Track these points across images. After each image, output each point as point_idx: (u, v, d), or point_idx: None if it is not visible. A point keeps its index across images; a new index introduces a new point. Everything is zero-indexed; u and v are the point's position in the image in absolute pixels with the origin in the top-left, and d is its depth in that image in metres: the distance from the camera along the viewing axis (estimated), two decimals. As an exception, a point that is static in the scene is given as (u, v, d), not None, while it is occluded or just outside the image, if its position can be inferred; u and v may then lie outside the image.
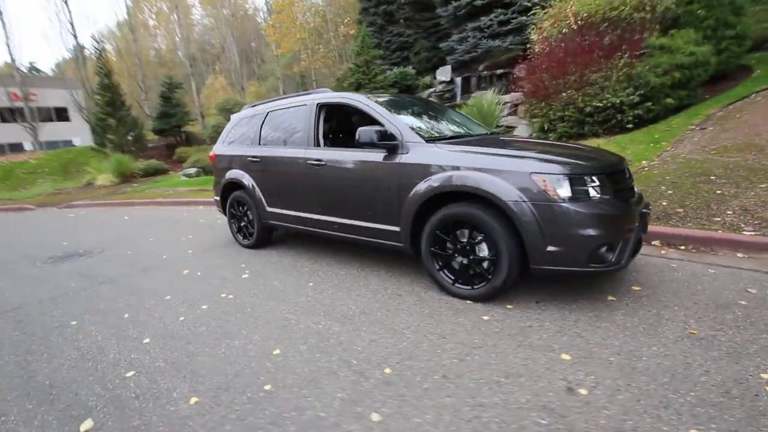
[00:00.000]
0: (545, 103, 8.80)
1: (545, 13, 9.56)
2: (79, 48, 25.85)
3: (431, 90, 17.71)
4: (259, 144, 4.37)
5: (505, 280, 2.63)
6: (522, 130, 10.00)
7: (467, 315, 2.64)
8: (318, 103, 3.78)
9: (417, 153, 2.97)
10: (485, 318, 2.58)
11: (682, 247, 3.65)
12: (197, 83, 30.03)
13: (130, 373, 2.25)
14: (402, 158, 3.02)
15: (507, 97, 11.74)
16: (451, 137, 3.30)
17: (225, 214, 5.03)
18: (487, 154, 2.75)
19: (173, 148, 18.89)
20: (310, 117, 3.80)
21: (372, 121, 3.32)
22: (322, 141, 3.78)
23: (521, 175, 2.51)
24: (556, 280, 2.97)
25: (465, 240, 2.80)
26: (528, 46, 17.10)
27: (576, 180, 2.47)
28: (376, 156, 3.20)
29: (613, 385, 1.88)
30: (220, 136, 5.08)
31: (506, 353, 2.18)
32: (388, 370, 2.09)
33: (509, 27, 15.98)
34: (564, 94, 8.33)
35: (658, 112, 7.68)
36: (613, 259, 2.51)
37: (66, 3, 24.47)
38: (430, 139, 3.05)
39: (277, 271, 3.82)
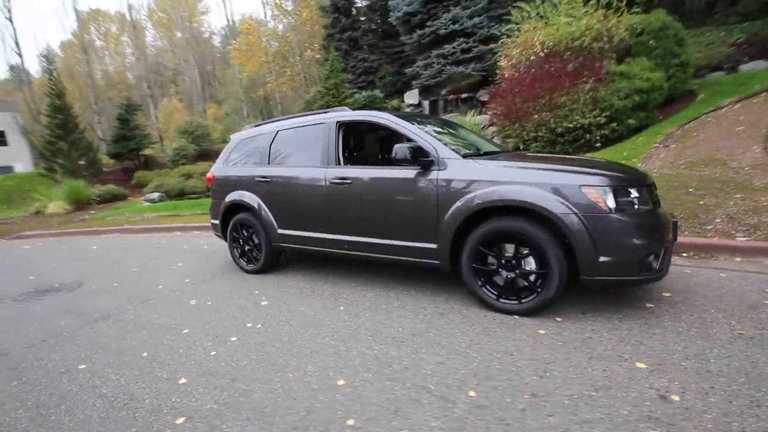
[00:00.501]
0: (518, 124, 9.23)
1: (512, 41, 10.13)
2: (23, 69, 23.92)
3: (401, 112, 18.09)
4: (269, 164, 4.17)
5: (555, 293, 2.63)
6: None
7: (522, 330, 2.59)
8: (338, 122, 3.68)
9: (456, 169, 2.95)
10: (542, 332, 2.54)
11: (685, 254, 3.87)
12: (154, 105, 28.72)
13: (180, 420, 1.96)
14: (440, 174, 2.99)
15: (478, 119, 12.21)
16: (483, 153, 3.32)
17: (224, 239, 4.71)
18: (531, 168, 2.78)
19: (131, 172, 17.71)
20: (329, 135, 3.69)
21: (401, 138, 3.28)
22: (342, 160, 3.67)
23: (571, 188, 2.55)
24: (593, 291, 3.01)
25: (510, 254, 2.79)
26: (486, 72, 18.02)
27: (620, 192, 2.55)
28: (408, 173, 3.15)
29: (699, 389, 1.89)
30: (219, 157, 4.81)
31: (582, 366, 2.14)
32: (472, 393, 1.98)
33: (471, 55, 16.80)
34: (536, 115, 8.78)
35: (621, 132, 8.29)
36: (657, 267, 2.59)
37: (11, 20, 22.65)
38: (467, 155, 3.05)
39: (297, 296, 3.59)
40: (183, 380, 2.33)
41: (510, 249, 2.79)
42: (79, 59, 29.39)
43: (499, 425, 1.75)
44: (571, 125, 8.34)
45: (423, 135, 3.17)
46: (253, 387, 2.20)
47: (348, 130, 3.86)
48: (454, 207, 2.90)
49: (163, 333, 3.04)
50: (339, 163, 3.64)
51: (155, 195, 13.60)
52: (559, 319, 2.70)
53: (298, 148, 4.01)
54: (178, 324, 3.19)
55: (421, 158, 3.03)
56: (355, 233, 3.50)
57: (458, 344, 2.48)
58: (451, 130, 3.91)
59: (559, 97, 8.61)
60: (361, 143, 4.47)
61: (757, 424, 1.65)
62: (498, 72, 11.05)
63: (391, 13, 17.70)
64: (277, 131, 4.19)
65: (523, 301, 2.77)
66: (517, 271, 2.77)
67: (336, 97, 16.78)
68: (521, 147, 9.16)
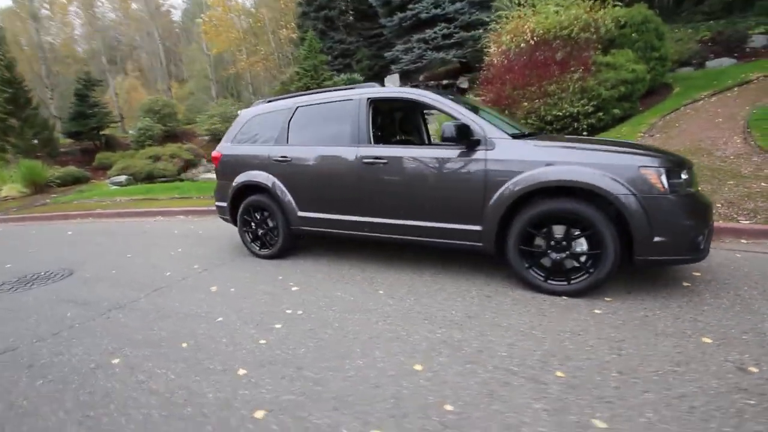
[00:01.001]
0: (508, 111, 9.31)
1: (502, 28, 10.14)
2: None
3: (382, 97, 17.82)
4: (287, 142, 3.92)
5: (609, 273, 2.65)
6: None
7: (578, 310, 2.60)
8: (369, 98, 3.50)
9: (506, 149, 2.88)
10: (598, 312, 2.56)
11: (693, 236, 4.04)
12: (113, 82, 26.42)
13: (259, 414, 1.80)
14: (488, 154, 2.91)
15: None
16: (529, 134, 3.26)
17: (232, 222, 4.42)
18: (588, 149, 2.76)
19: (91, 153, 16.37)
20: (359, 113, 3.51)
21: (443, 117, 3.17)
22: (372, 138, 3.51)
23: (630, 168, 2.56)
24: (626, 272, 3.07)
25: (560, 235, 2.78)
26: (466, 59, 18.04)
27: (673, 173, 2.58)
28: (452, 152, 3.05)
29: (770, 361, 1.97)
30: (226, 135, 4.47)
31: (652, 343, 2.17)
32: (560, 374, 1.95)
33: (452, 41, 16.73)
34: (526, 103, 8.88)
35: (607, 121, 8.56)
36: (702, 247, 2.67)
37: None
38: (516, 135, 2.99)
39: (327, 281, 3.43)
40: (242, 371, 2.14)
41: (559, 230, 2.78)
42: (24, 29, 26.50)
43: (601, 403, 1.73)
44: (560, 113, 8.50)
45: (468, 113, 3.08)
46: (325, 375, 2.06)
47: (377, 107, 3.68)
48: (504, 187, 2.84)
49: (193, 322, 2.80)
50: (370, 142, 3.48)
51: (122, 178, 12.68)
52: (608, 299, 2.73)
53: (321, 126, 3.79)
54: (207, 312, 2.95)
55: (468, 137, 2.94)
56: (389, 215, 3.38)
57: (520, 326, 2.45)
58: (481, 111, 3.83)
59: (548, 85, 8.73)
60: (384, 122, 4.30)
61: (840, 392, 1.72)
62: (487, 58, 11.04)
63: (371, -6, 17.21)
64: (297, 107, 3.93)
65: (572, 281, 2.78)
66: (568, 252, 2.77)
67: (315, 79, 16.25)
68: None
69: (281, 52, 21.95)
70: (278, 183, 3.91)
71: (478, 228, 3.01)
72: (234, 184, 4.22)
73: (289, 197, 3.88)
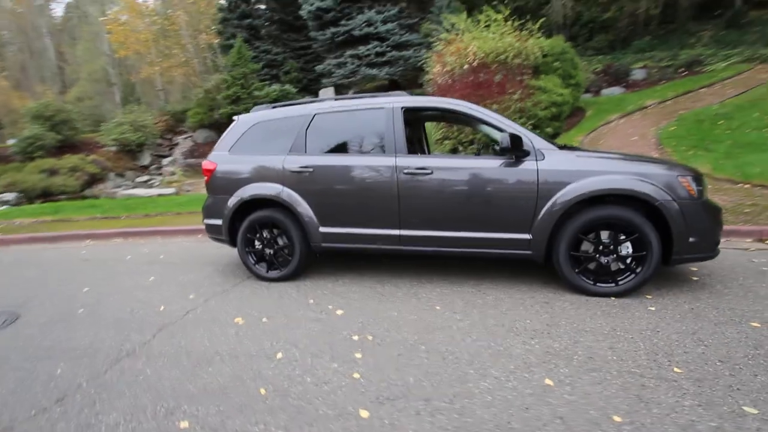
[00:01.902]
0: (456, 127, 9.82)
1: (445, 49, 10.71)
2: None
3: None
4: (305, 152, 3.57)
5: (653, 272, 2.89)
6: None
7: (634, 309, 2.77)
8: (403, 107, 3.37)
9: (555, 160, 2.99)
10: (652, 309, 2.76)
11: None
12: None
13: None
14: (540, 165, 2.99)
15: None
16: (564, 146, 3.41)
17: (229, 243, 3.86)
18: (627, 160, 3.00)
19: (-46, 166, 13.02)
20: (394, 122, 3.35)
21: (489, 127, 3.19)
22: (407, 148, 3.37)
23: (671, 177, 2.84)
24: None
25: (607, 240, 2.96)
26: (397, 77, 18.66)
27: (698, 182, 2.94)
28: (502, 162, 3.08)
29: (814, 338, 2.31)
30: (219, 143, 3.91)
31: (720, 333, 2.39)
32: (677, 369, 2.05)
33: (384, 59, 17.21)
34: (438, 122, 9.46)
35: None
36: (719, 246, 3.06)
37: None
38: (563, 147, 3.12)
39: (370, 300, 3.17)
40: (365, 413, 1.83)
41: (605, 235, 2.96)
42: None
43: (733, 391, 1.84)
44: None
45: (514, 125, 3.14)
46: (461, 404, 1.87)
47: (408, 117, 3.56)
48: (556, 196, 2.94)
49: (249, 361, 2.34)
50: (407, 152, 3.34)
51: (10, 196, 10.33)
52: (649, 296, 2.97)
53: (346, 135, 3.54)
54: (257, 349, 2.49)
55: (520, 148, 2.99)
56: (432, 227, 3.26)
57: (602, 329, 2.52)
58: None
59: (489, 105, 9.43)
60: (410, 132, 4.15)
61: None
62: (428, 76, 11.52)
63: (303, 6, 16.92)
64: (315, 114, 3.61)
65: (620, 282, 2.96)
66: (615, 255, 2.96)
67: (245, 88, 15.30)
68: (458, 149, 9.77)
69: (199, 58, 20.15)
70: (295, 196, 3.53)
71: (527, 236, 3.06)
72: (234, 198, 3.70)
73: (309, 212, 3.52)
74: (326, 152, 3.56)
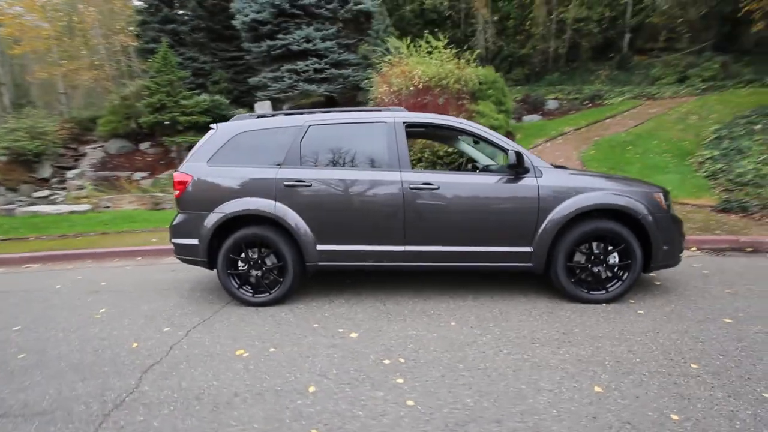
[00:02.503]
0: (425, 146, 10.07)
1: (389, 70, 11.01)
2: None
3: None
4: (300, 165, 3.32)
5: (636, 278, 3.20)
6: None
7: (628, 314, 3.01)
8: (405, 122, 3.34)
9: (552, 177, 3.19)
10: (641, 312, 3.04)
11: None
12: None
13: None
14: (539, 181, 3.16)
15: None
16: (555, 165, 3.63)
17: (207, 266, 3.41)
18: (612, 179, 3.32)
19: None
20: (396, 136, 3.30)
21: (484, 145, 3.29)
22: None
23: (648, 194, 3.19)
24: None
25: (599, 251, 3.21)
26: (335, 95, 18.68)
27: (667, 197, 3.35)
28: (505, 178, 3.20)
29: (771, 329, 2.74)
30: (194, 153, 3.46)
31: (706, 330, 2.71)
32: (694, 365, 2.26)
33: (323, 75, 17.14)
34: (419, 139, 9.82)
35: (482, 157, 10.20)
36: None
37: None
38: (555, 165, 3.33)
39: (381, 320, 3.01)
40: (442, 443, 1.69)
41: (596, 246, 3.22)
42: None
43: (750, 382, 2.08)
44: (450, 150, 9.70)
45: (514, 144, 3.29)
46: (533, 421, 1.83)
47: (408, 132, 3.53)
48: (556, 211, 3.12)
49: (277, 400, 2.04)
50: (410, 167, 3.30)
51: None
52: (632, 301, 3.26)
53: (345, 148, 3.38)
54: (281, 384, 2.19)
55: (522, 165, 3.14)
56: (438, 242, 3.23)
57: (612, 333, 2.70)
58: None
59: None
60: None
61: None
62: (374, 96, 11.70)
63: (237, 16, 16.18)
64: (309, 126, 3.40)
65: (609, 290, 3.22)
66: (604, 264, 3.22)
67: (171, 96, 13.99)
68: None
69: (113, 62, 17.87)
70: (290, 212, 3.26)
71: (529, 249, 3.20)
72: (216, 215, 3.29)
73: (306, 228, 3.26)
74: (324, 165, 3.36)
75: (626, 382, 2.12)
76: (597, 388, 2.07)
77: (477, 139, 3.64)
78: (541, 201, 3.15)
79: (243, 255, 3.37)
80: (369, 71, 13.39)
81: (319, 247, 3.30)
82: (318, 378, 2.24)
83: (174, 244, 3.51)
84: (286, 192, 3.28)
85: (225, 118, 16.76)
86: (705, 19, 15.43)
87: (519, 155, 3.10)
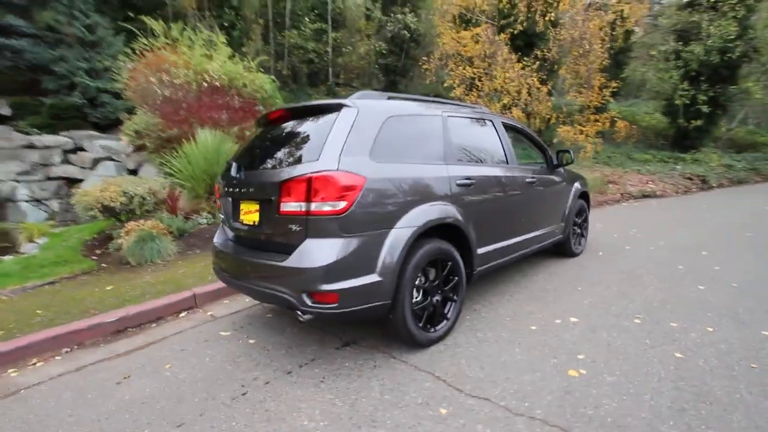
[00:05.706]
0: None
1: (153, 57, 8.69)
2: None
3: None
4: (456, 161, 2.81)
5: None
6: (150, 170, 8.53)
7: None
8: (503, 123, 3.55)
9: (562, 169, 4.35)
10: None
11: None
12: None
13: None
14: (563, 171, 4.28)
15: (113, 143, 8.82)
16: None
17: (387, 311, 2.25)
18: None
19: None
20: (499, 134, 3.42)
21: (532, 145, 4.10)
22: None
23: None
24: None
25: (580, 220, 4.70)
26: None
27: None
28: (553, 170, 4.10)
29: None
30: (335, 142, 2.13)
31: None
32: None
33: None
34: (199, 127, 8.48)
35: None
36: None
37: None
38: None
39: (508, 329, 2.82)
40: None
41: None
42: None
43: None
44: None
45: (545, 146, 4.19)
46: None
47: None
48: (572, 194, 4.37)
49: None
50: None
51: None
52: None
53: (471, 144, 3.13)
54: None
55: (557, 161, 4.14)
56: (525, 231, 3.57)
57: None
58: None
59: (240, 128, 9.02)
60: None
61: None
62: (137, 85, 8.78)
63: None
64: (448, 117, 2.90)
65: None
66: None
67: None
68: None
69: None
70: (464, 217, 2.73)
71: (563, 224, 4.25)
72: (405, 230, 2.26)
73: (473, 234, 2.83)
74: (468, 162, 2.99)
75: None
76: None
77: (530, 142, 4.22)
78: (566, 188, 4.31)
79: (426, 277, 2.48)
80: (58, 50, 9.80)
81: (479, 251, 2.94)
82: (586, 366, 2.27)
83: (338, 291, 2.02)
84: (457, 193, 2.70)
85: None
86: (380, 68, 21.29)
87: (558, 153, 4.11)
